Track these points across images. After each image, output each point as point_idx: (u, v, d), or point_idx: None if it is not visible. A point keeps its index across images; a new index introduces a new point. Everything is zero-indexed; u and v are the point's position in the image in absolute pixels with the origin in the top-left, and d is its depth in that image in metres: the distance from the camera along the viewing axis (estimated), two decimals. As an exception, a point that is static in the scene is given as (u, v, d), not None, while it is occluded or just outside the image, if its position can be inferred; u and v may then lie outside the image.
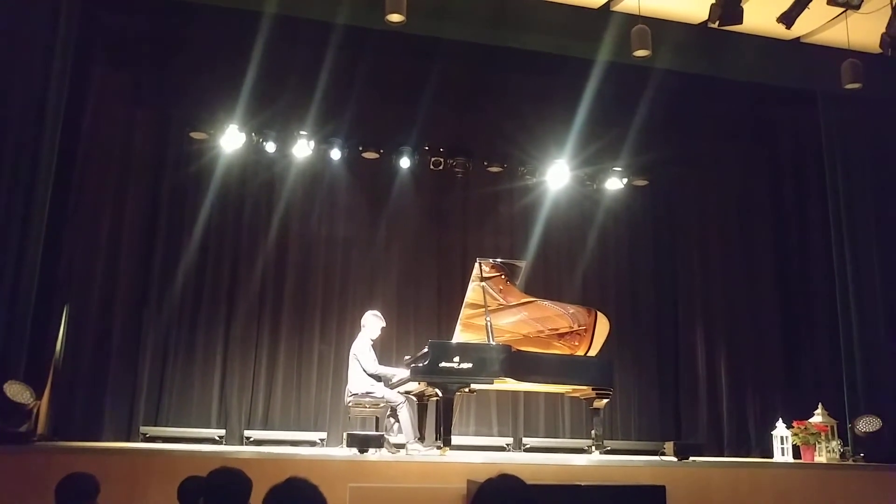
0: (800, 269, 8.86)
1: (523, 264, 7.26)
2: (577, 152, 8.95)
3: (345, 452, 6.01)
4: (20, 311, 6.09)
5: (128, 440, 7.55)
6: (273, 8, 6.85)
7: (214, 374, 8.17)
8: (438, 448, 6.14)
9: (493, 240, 9.23)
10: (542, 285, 8.83)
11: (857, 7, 6.46)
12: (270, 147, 8.52)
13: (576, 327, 7.04)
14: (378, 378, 6.77)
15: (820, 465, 6.85)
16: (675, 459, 6.39)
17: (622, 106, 8.27)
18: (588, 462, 6.24)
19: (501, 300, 6.94)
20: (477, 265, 6.73)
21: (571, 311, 7.11)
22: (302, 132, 8.46)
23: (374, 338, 6.99)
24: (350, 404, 6.74)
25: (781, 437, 7.29)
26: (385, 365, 7.00)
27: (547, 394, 8.46)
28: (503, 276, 6.88)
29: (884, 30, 6.51)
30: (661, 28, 7.09)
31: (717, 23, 6.56)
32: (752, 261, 9.22)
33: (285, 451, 6.96)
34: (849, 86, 6.63)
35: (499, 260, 6.95)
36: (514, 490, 2.22)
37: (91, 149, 7.50)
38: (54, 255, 6.74)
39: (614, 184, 9.51)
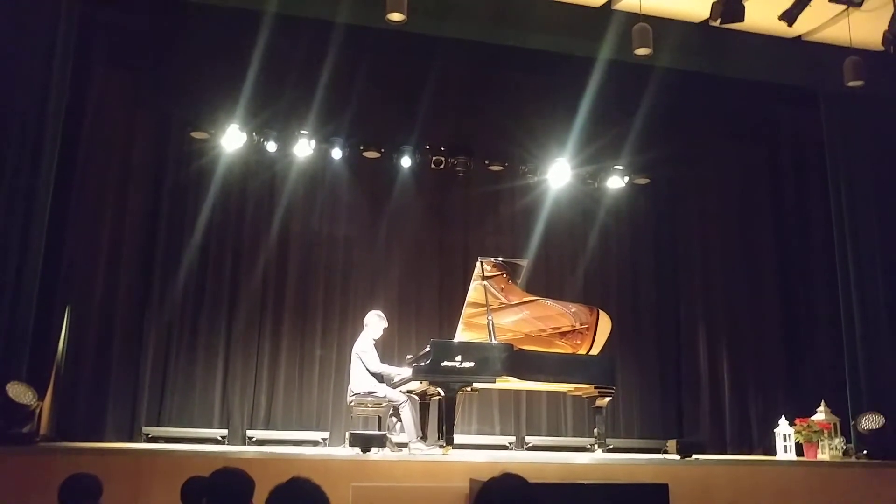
0: (801, 266, 8.85)
1: (525, 263, 7.26)
2: (578, 151, 8.94)
3: (347, 452, 6.01)
4: (22, 313, 6.09)
5: (130, 440, 7.55)
6: (273, 7, 6.85)
7: (216, 374, 8.17)
8: (441, 447, 6.14)
9: (494, 239, 9.23)
10: (544, 284, 8.82)
11: (859, 5, 6.46)
12: (271, 146, 8.52)
13: (578, 326, 7.03)
14: (380, 377, 6.77)
15: (823, 462, 6.83)
16: (677, 457, 6.39)
17: (623, 104, 8.27)
18: (590, 460, 6.23)
19: (503, 299, 6.93)
20: (478, 264, 6.73)
21: (573, 310, 7.10)
22: (303, 131, 8.45)
23: (377, 338, 6.99)
24: (352, 404, 6.74)
25: (784, 435, 7.28)
26: (387, 364, 7.00)
27: (549, 392, 8.45)
28: (505, 275, 6.88)
29: (886, 27, 6.50)
30: (662, 26, 7.09)
31: (719, 21, 6.55)
32: (753, 258, 9.21)
33: (288, 450, 6.96)
34: (851, 84, 6.62)
35: (500, 259, 6.95)
36: (517, 489, 2.22)
37: (92, 149, 7.49)
38: (56, 255, 6.74)
39: (615, 182, 9.50)
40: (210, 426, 7.98)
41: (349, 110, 8.27)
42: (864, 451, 7.12)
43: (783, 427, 7.31)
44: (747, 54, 7.75)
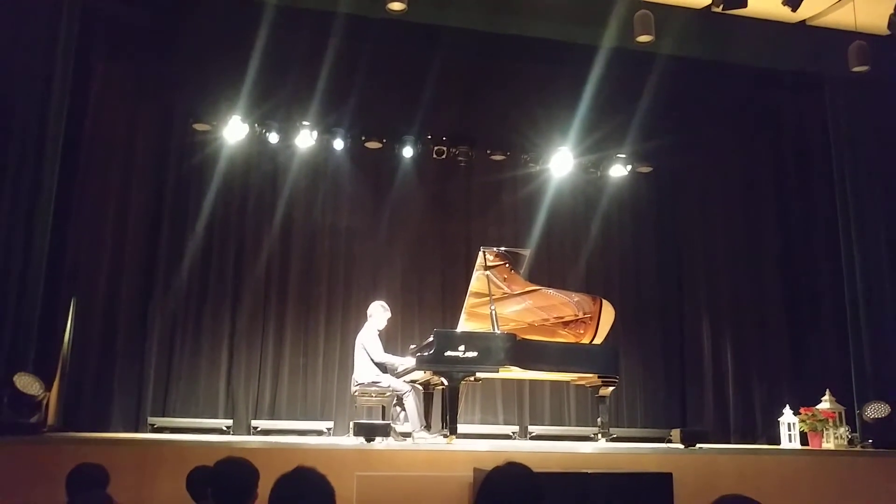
0: (806, 253, 8.81)
1: (527, 253, 7.24)
2: (580, 139, 8.92)
3: (351, 441, 6.03)
4: (28, 305, 6.12)
5: (136, 431, 7.59)
6: (274, -3, 6.83)
7: (221, 365, 8.20)
8: (444, 436, 6.15)
9: (496, 228, 9.22)
10: (547, 273, 8.82)
11: (864, -11, 6.41)
12: (273, 138, 8.51)
13: (581, 315, 7.02)
14: (384, 367, 6.78)
15: (828, 451, 6.82)
16: (681, 447, 6.39)
17: (626, 92, 8.22)
18: (594, 450, 6.24)
19: (506, 289, 6.93)
20: (481, 254, 6.72)
21: (576, 299, 7.10)
22: (304, 122, 8.45)
23: (381, 328, 7.00)
24: (356, 393, 6.76)
25: (788, 424, 7.27)
26: (390, 354, 7.01)
27: (552, 382, 8.47)
28: (507, 265, 6.87)
29: (891, 11, 6.46)
30: (664, 13, 7.04)
31: (721, 7, 6.52)
32: (757, 246, 9.17)
33: (292, 440, 6.99)
34: (856, 69, 6.58)
35: (503, 248, 6.93)
36: (521, 478, 2.23)
37: (95, 141, 7.50)
38: (61, 247, 6.77)
39: (618, 171, 9.48)
40: (215, 416, 8.01)
41: (351, 101, 8.25)
42: (870, 441, 7.09)
43: (787, 416, 7.30)
44: (750, 40, 7.69)
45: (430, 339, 6.33)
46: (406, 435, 6.51)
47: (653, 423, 9.05)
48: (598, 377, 6.73)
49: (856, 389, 7.53)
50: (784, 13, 6.93)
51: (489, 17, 7.30)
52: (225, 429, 7.91)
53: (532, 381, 8.65)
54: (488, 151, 9.18)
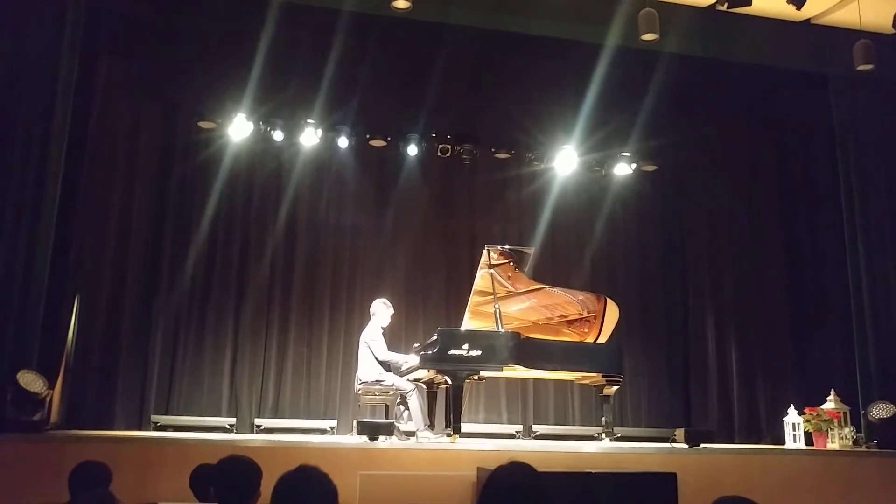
0: (811, 252, 8.79)
1: (532, 251, 7.23)
2: (585, 138, 8.89)
3: (355, 440, 6.03)
4: (32, 302, 6.13)
5: (139, 429, 7.59)
6: (279, -4, 6.83)
7: (224, 363, 8.20)
8: (448, 435, 6.14)
9: (501, 226, 9.21)
10: (551, 272, 8.79)
11: (870, -13, 6.38)
12: (278, 135, 8.51)
13: (585, 314, 7.01)
14: (388, 365, 6.78)
15: (833, 452, 6.79)
16: (685, 446, 6.37)
17: (630, 91, 8.20)
18: (598, 449, 6.23)
19: (510, 287, 6.92)
20: (485, 252, 6.71)
21: (580, 298, 7.08)
22: (309, 120, 8.44)
23: (385, 326, 6.99)
24: (360, 392, 6.75)
25: (793, 424, 7.23)
26: (394, 352, 7.00)
27: (556, 381, 8.45)
28: (511, 263, 6.86)
29: (896, 10, 6.43)
30: (668, 11, 7.02)
31: (726, 5, 6.49)
32: (762, 245, 9.15)
33: (295, 438, 6.99)
34: (860, 67, 6.55)
35: (507, 247, 6.93)
36: (525, 477, 2.22)
37: (99, 139, 7.51)
38: (65, 245, 6.77)
39: (623, 169, 9.45)
40: (218, 414, 8.01)
41: (355, 99, 8.25)
42: (875, 441, 7.06)
43: (792, 416, 7.27)
44: (755, 39, 7.67)
45: (434, 337, 6.32)
46: (409, 434, 6.51)
47: (657, 423, 9.03)
48: (603, 376, 6.71)
49: (861, 389, 7.50)
50: (789, 11, 6.90)
51: (493, 15, 7.29)
52: (228, 427, 7.90)
53: (536, 381, 8.63)
54: (492, 149, 9.16)
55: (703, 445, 6.43)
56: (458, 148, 8.95)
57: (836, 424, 7.02)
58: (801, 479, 5.90)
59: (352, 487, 5.01)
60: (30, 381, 5.83)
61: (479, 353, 6.12)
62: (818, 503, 5.78)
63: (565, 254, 9.45)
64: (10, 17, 6.44)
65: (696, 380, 9.21)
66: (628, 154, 9.33)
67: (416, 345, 7.16)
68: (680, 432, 6.68)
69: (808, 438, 7.18)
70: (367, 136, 8.83)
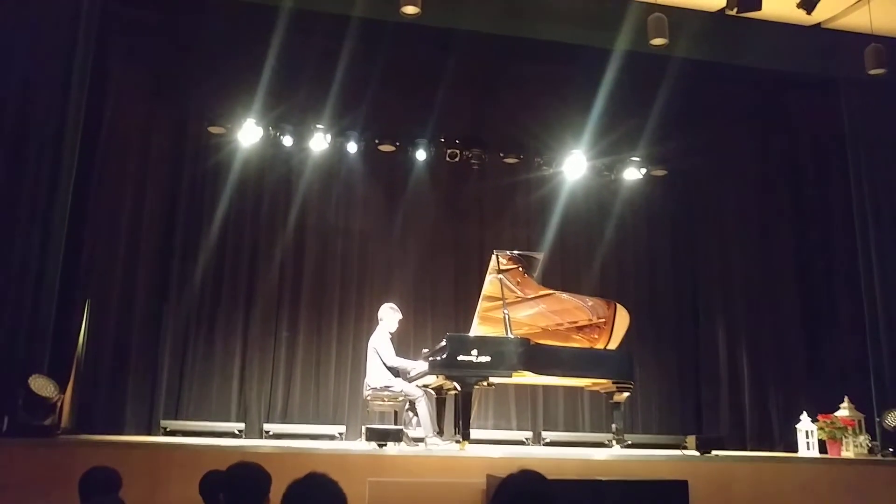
0: (822, 257, 8.73)
1: (541, 256, 7.20)
2: (594, 142, 8.88)
3: (364, 446, 6.01)
4: (44, 307, 6.16)
5: (149, 434, 7.61)
6: (289, 2, 6.87)
7: (234, 368, 8.22)
8: (457, 442, 6.11)
9: (510, 231, 9.20)
10: (560, 277, 8.77)
11: (881, -9, 6.34)
12: (287, 141, 8.54)
13: (595, 320, 6.98)
14: (396, 371, 6.76)
15: (847, 460, 6.71)
16: (697, 453, 6.32)
17: (640, 95, 8.19)
18: (609, 456, 6.19)
19: (519, 293, 6.90)
20: (494, 257, 6.70)
21: (590, 304, 7.05)
22: (318, 126, 8.47)
23: (393, 331, 6.99)
24: (369, 398, 6.74)
25: (807, 431, 7.16)
26: (403, 358, 6.99)
27: (566, 387, 8.41)
28: (520, 269, 6.84)
29: (908, 14, 6.38)
30: (678, 16, 7.01)
31: (736, 10, 6.47)
32: (773, 250, 9.09)
33: (304, 444, 6.98)
34: (872, 72, 6.51)
35: (516, 252, 6.91)
36: (535, 486, 2.20)
37: (111, 143, 7.54)
38: (76, 251, 6.80)
39: (632, 174, 9.42)
40: (227, 420, 8.02)
41: (364, 104, 8.28)
42: (890, 449, 6.98)
43: (805, 423, 7.19)
44: (765, 43, 7.64)
45: (443, 343, 6.30)
46: (419, 440, 6.49)
47: (668, 430, 8.97)
48: (613, 383, 6.68)
49: (875, 396, 7.43)
50: (799, 16, 6.88)
51: (502, 21, 7.30)
52: (237, 432, 7.91)
53: (546, 387, 8.60)
54: (501, 154, 9.16)
55: (714, 453, 6.38)
56: (467, 153, 8.96)
57: (850, 432, 6.93)
58: (816, 488, 5.83)
59: (361, 494, 4.99)
60: (41, 385, 5.85)
61: (488, 358, 6.10)
62: (833, 512, 5.72)
63: (575, 259, 9.43)
64: (24, 23, 6.48)
65: (707, 386, 9.16)
66: (638, 158, 9.31)
67: (424, 350, 7.14)
68: (691, 439, 6.62)
69: (822, 446, 7.10)
70: (376, 141, 8.85)
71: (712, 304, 9.32)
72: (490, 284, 6.73)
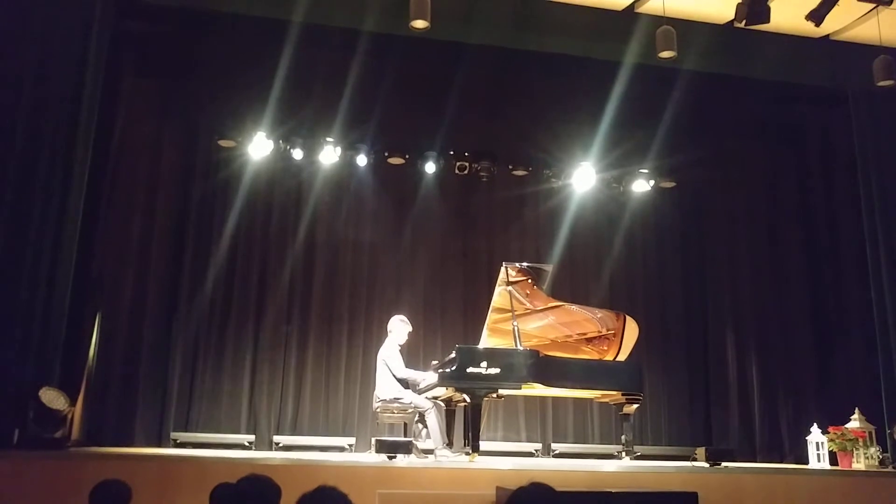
0: (832, 269, 8.70)
1: (550, 268, 7.22)
2: (603, 155, 8.91)
3: (373, 458, 6.01)
4: (55, 319, 6.20)
5: (159, 446, 7.63)
6: (299, 16, 6.92)
7: (244, 380, 8.23)
8: (467, 454, 6.11)
9: (518, 243, 9.21)
10: (569, 289, 8.77)
11: (889, 3, 6.35)
12: (297, 154, 8.58)
13: (604, 332, 6.97)
14: (406, 383, 6.77)
15: (858, 472, 6.67)
16: (706, 465, 6.29)
17: (648, 108, 8.21)
18: (618, 468, 6.17)
19: (528, 305, 6.90)
20: (503, 269, 6.71)
21: (599, 316, 7.05)
22: (328, 139, 8.51)
23: (402, 343, 7.00)
24: (378, 410, 6.75)
25: (817, 443, 7.13)
26: (412, 370, 7.00)
27: (576, 399, 8.39)
28: (530, 281, 6.84)
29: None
30: (686, 29, 7.03)
31: (744, 22, 6.48)
32: (782, 262, 9.07)
33: (314, 457, 6.98)
34: (881, 83, 6.51)
35: (525, 264, 6.92)
36: (545, 497, 2.21)
37: (121, 157, 7.62)
38: (87, 263, 6.85)
39: (641, 186, 9.42)
40: (237, 432, 8.04)
41: (374, 117, 8.32)
42: (901, 460, 6.96)
43: (815, 435, 7.16)
44: (773, 55, 7.65)
45: (452, 355, 6.31)
46: (428, 452, 6.48)
47: (677, 441, 8.92)
48: (622, 394, 6.67)
49: (886, 408, 7.38)
50: (807, 28, 6.88)
51: (511, 34, 7.34)
52: (247, 444, 7.93)
53: (555, 398, 8.58)
54: (510, 167, 9.18)
55: (724, 464, 6.34)
56: (476, 165, 8.98)
57: (861, 444, 6.89)
58: (826, 500, 5.79)
59: (370, 506, 4.99)
60: (52, 398, 5.88)
61: (497, 370, 6.10)
62: (844, 525, 5.68)
63: (584, 271, 9.42)
64: (35, 37, 6.56)
65: (717, 397, 9.12)
66: (647, 171, 9.32)
67: (434, 362, 7.15)
68: (701, 451, 6.58)
69: (833, 458, 7.06)
70: (386, 154, 8.89)
71: (721, 316, 9.29)
72: (499, 296, 6.74)
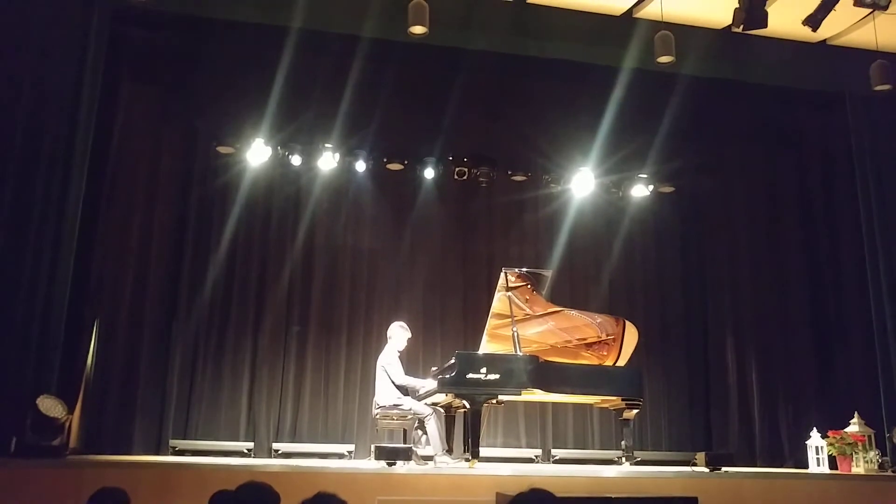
0: (832, 273, 8.70)
1: (549, 273, 7.20)
2: (602, 160, 8.91)
3: (373, 465, 5.99)
4: (53, 327, 6.19)
5: (157, 453, 7.60)
6: (298, 22, 6.94)
7: (243, 387, 8.21)
8: (467, 460, 6.10)
9: (518, 249, 9.20)
10: (569, 295, 8.77)
11: (885, 8, 6.36)
12: (296, 160, 8.58)
13: (604, 337, 6.97)
14: (405, 389, 6.76)
15: (858, 476, 6.68)
16: (706, 470, 6.28)
17: (647, 112, 8.22)
18: (618, 474, 6.15)
19: (528, 310, 6.89)
20: (503, 275, 6.70)
21: (599, 321, 7.04)
22: (327, 145, 8.51)
23: (401, 349, 6.98)
24: (377, 416, 6.73)
25: (816, 448, 7.12)
26: (411, 376, 6.99)
27: (575, 404, 8.38)
28: (529, 286, 6.84)
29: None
30: (684, 34, 7.06)
31: (742, 27, 6.49)
32: (782, 266, 9.07)
33: (313, 463, 6.97)
34: (878, 88, 6.53)
35: (524, 269, 6.90)
36: (545, 503, 2.20)
37: (120, 164, 7.62)
38: (85, 270, 6.84)
39: (640, 191, 9.43)
40: (236, 439, 8.01)
41: (372, 123, 8.32)
42: (901, 464, 6.95)
43: (815, 439, 7.16)
44: (771, 60, 7.68)
45: (452, 361, 6.30)
46: (428, 459, 6.47)
47: (677, 446, 8.92)
48: (622, 400, 6.65)
49: (885, 412, 7.38)
50: (805, 33, 6.90)
51: (510, 39, 7.36)
52: (246, 451, 7.90)
53: (555, 404, 8.56)
54: (509, 172, 9.19)
55: (724, 469, 6.34)
56: (475, 171, 8.98)
57: (860, 448, 6.89)
58: (827, 505, 5.79)
59: (370, 513, 4.98)
60: (49, 406, 5.86)
61: (497, 376, 6.09)
62: (845, 529, 5.67)
63: (583, 276, 9.42)
64: (34, 44, 6.57)
65: (717, 402, 9.11)
66: (646, 176, 9.32)
67: (433, 368, 7.14)
68: (701, 456, 6.58)
69: (832, 462, 7.05)
70: (385, 160, 8.89)
71: (721, 320, 9.28)
72: (499, 302, 6.74)
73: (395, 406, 6.64)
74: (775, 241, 9.16)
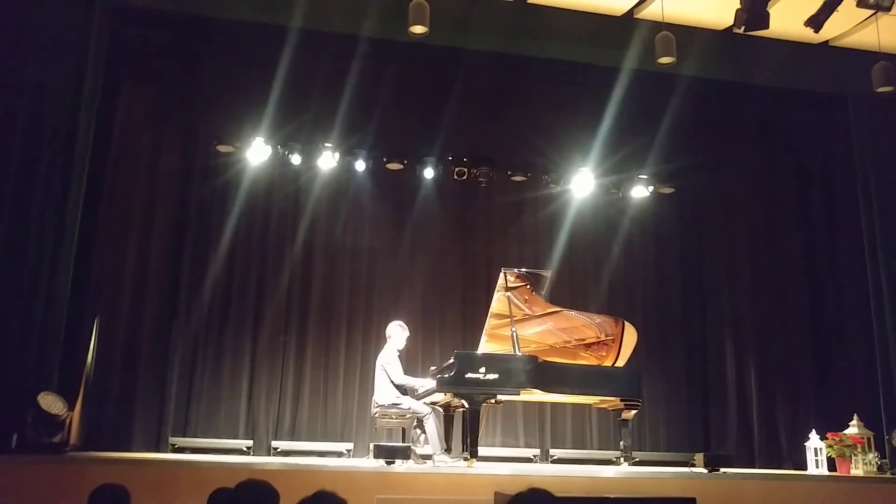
0: (831, 274, 8.70)
1: (549, 274, 7.21)
2: (601, 160, 8.91)
3: (371, 464, 6.00)
4: (53, 324, 6.20)
5: (157, 451, 7.62)
6: (298, 21, 6.92)
7: (242, 385, 8.23)
8: (465, 459, 6.11)
9: (517, 249, 9.21)
10: (568, 295, 8.78)
11: (888, 9, 6.35)
12: (296, 159, 8.59)
13: (603, 337, 6.97)
14: (404, 389, 6.77)
15: (857, 478, 6.67)
16: (705, 471, 6.29)
17: (647, 113, 8.21)
18: (616, 474, 6.16)
19: (527, 310, 6.90)
20: (502, 275, 6.71)
21: (598, 321, 7.05)
22: (327, 144, 8.52)
23: (401, 348, 6.99)
24: (376, 415, 6.74)
25: (815, 449, 7.11)
26: (410, 375, 7.00)
27: (574, 405, 8.38)
28: (528, 286, 6.84)
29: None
30: (685, 35, 7.05)
31: (743, 28, 6.48)
32: (781, 267, 9.07)
33: (312, 462, 6.98)
34: (880, 89, 6.52)
35: (524, 270, 6.91)
36: (543, 503, 2.21)
37: (120, 162, 7.63)
38: (85, 268, 6.85)
39: (640, 192, 9.44)
40: (236, 436, 8.03)
41: (372, 122, 8.32)
42: (900, 467, 6.95)
43: (814, 441, 7.15)
44: (773, 61, 7.67)
45: (451, 360, 6.31)
46: (426, 458, 6.47)
47: (676, 447, 8.93)
48: (621, 400, 6.66)
49: (884, 414, 7.37)
50: (807, 34, 6.88)
51: (510, 40, 7.35)
52: (245, 449, 7.92)
53: (553, 404, 8.57)
54: (509, 172, 9.20)
55: (722, 470, 6.34)
56: (475, 171, 8.99)
57: (859, 450, 6.89)
58: (825, 507, 5.79)
59: (368, 512, 4.98)
60: (50, 403, 5.88)
61: (496, 376, 6.10)
62: (843, 531, 5.67)
63: (582, 277, 9.43)
64: (34, 43, 6.57)
65: (715, 403, 9.12)
66: (646, 177, 9.33)
67: (432, 368, 7.15)
68: (699, 457, 6.59)
69: (831, 464, 7.05)
70: (384, 160, 8.90)
71: (720, 321, 9.29)
72: (498, 302, 6.74)
73: (394, 405, 6.64)
74: (775, 243, 9.16)
